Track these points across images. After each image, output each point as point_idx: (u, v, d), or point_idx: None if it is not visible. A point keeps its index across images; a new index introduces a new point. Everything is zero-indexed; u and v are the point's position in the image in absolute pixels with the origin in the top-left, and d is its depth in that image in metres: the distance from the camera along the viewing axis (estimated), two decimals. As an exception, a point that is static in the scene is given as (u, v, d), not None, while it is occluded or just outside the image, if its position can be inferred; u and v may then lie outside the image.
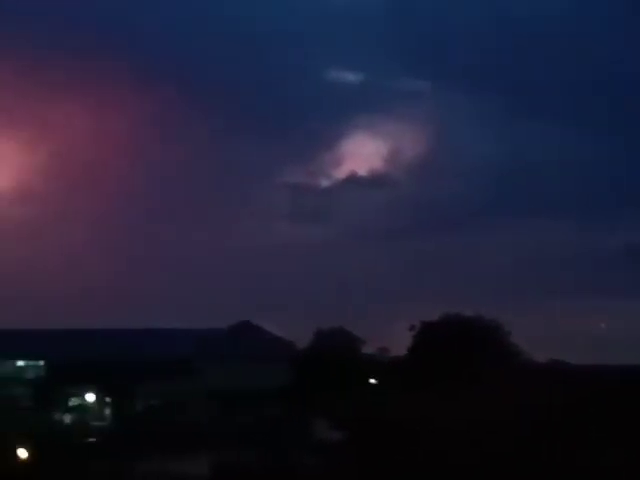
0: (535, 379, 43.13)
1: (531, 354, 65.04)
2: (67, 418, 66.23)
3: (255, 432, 47.21)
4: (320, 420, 49.98)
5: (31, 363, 77.00)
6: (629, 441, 30.95)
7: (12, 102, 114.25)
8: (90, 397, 70.57)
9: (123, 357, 68.46)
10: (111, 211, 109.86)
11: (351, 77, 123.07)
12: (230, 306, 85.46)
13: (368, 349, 78.15)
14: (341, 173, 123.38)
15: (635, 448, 30.25)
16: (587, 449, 30.64)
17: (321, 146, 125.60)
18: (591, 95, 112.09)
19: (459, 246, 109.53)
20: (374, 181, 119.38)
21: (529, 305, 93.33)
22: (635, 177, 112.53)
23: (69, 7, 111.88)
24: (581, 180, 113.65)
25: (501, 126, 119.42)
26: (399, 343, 72.76)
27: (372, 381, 69.31)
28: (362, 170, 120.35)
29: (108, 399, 70.33)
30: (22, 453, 40.89)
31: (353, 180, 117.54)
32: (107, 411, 69.76)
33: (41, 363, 76.04)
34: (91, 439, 52.97)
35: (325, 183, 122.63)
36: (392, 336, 78.83)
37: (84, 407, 69.93)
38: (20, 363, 77.56)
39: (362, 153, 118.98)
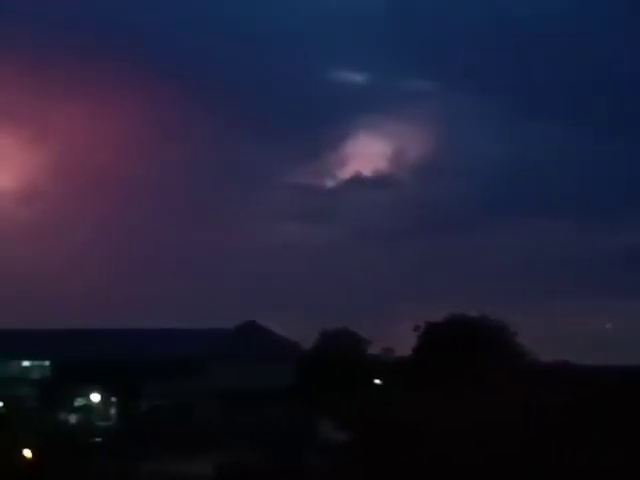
0: (540, 379, 43.02)
1: (536, 354, 65.00)
2: (72, 418, 66.34)
3: (260, 432, 47.21)
4: (325, 420, 49.96)
5: (36, 363, 77.10)
6: (635, 442, 30.90)
7: (16, 103, 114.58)
8: (95, 397, 70.63)
9: (128, 357, 68.52)
10: (117, 212, 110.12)
11: (356, 78, 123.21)
12: (235, 306, 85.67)
13: (373, 349, 78.25)
14: (346, 173, 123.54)
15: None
16: (594, 450, 30.56)
17: (326, 147, 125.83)
18: (595, 95, 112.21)
19: (464, 246, 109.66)
20: (379, 181, 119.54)
21: (533, 305, 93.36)
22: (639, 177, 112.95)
23: (69, 7, 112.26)
24: (585, 180, 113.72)
25: (505, 126, 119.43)
26: (404, 343, 72.84)
27: (377, 381, 69.31)
28: (367, 170, 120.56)
29: (113, 399, 70.40)
30: (28, 453, 40.94)
31: (358, 180, 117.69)
32: (112, 411, 69.84)
33: (46, 363, 76.14)
34: (96, 439, 53.01)
35: (330, 183, 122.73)
36: (397, 336, 78.90)
37: (89, 407, 70.00)
38: (25, 363, 77.67)
39: (367, 154, 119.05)
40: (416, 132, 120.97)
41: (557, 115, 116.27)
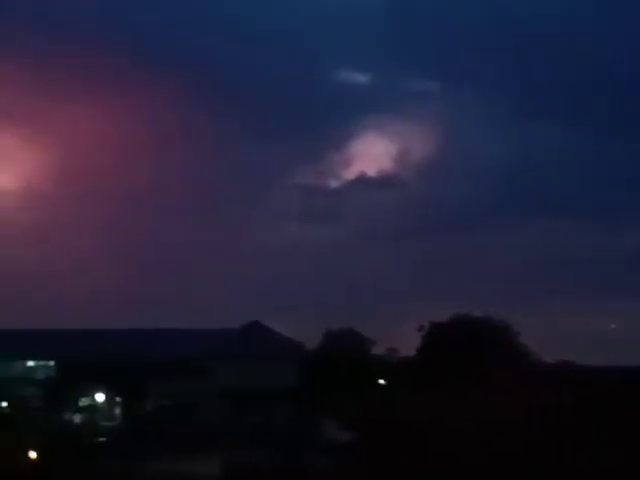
0: (544, 380, 43.05)
1: (540, 355, 64.99)
2: (77, 418, 66.33)
3: (265, 432, 47.23)
4: (329, 420, 49.96)
5: (41, 363, 77.09)
6: (636, 442, 30.94)
7: (20, 104, 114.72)
8: (100, 397, 70.63)
9: (133, 357, 68.48)
10: (121, 213, 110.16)
11: (360, 78, 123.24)
12: (240, 307, 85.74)
13: (377, 350, 78.22)
14: (350, 174, 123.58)
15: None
16: (596, 450, 30.61)
17: (330, 147, 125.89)
18: (598, 96, 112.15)
19: (468, 246, 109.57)
20: (383, 182, 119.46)
21: (536, 305, 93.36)
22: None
23: (70, 7, 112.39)
24: (588, 180, 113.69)
25: (510, 127, 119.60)
26: (408, 344, 72.83)
27: (381, 382, 69.29)
28: (371, 171, 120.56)
29: (118, 399, 70.40)
30: (32, 453, 41.01)
31: (362, 181, 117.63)
32: (117, 411, 69.85)
33: (51, 363, 76.16)
34: (101, 439, 53.04)
35: (334, 184, 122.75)
36: (401, 337, 78.88)
37: (94, 407, 69.97)
38: (30, 363, 77.68)
39: (371, 154, 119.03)
40: (420, 132, 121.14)
41: (561, 116, 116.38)
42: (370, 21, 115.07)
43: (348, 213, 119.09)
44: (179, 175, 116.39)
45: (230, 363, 68.80)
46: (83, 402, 70.44)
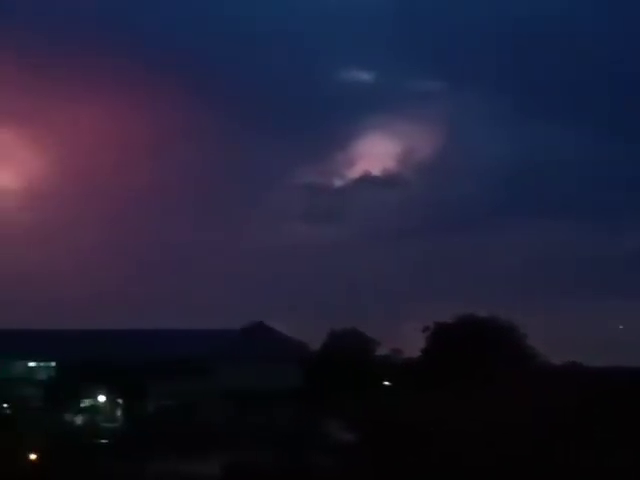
0: (550, 381, 42.74)
1: (547, 356, 64.49)
2: (78, 419, 66.03)
3: (268, 433, 46.89)
4: (333, 421, 49.64)
5: (43, 364, 76.94)
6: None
7: (21, 104, 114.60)
8: (101, 398, 70.37)
9: (135, 358, 68.22)
10: (124, 213, 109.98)
11: (364, 77, 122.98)
12: (243, 307, 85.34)
13: (382, 350, 77.80)
14: (354, 173, 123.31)
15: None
16: (602, 451, 30.30)
17: (334, 146, 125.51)
18: (603, 96, 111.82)
19: (472, 246, 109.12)
20: (387, 181, 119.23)
21: (542, 306, 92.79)
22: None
23: (70, 7, 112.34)
24: (593, 180, 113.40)
25: (513, 127, 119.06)
26: (412, 344, 72.46)
27: (386, 382, 68.90)
28: (375, 170, 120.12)
29: (120, 400, 70.13)
30: (33, 454, 40.75)
31: (366, 180, 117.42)
32: (119, 412, 69.57)
33: (52, 364, 75.98)
34: (102, 440, 52.71)
35: (338, 183, 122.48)
36: (405, 337, 78.48)
37: (95, 408, 69.72)
38: (32, 364, 77.52)
39: (375, 153, 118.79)
40: (424, 132, 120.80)
41: (569, 116, 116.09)
42: (375, 21, 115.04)
43: (352, 212, 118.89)
44: (182, 175, 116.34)
45: (233, 363, 68.57)
46: (84, 403, 70.17)
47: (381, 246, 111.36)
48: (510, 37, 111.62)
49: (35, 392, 70.54)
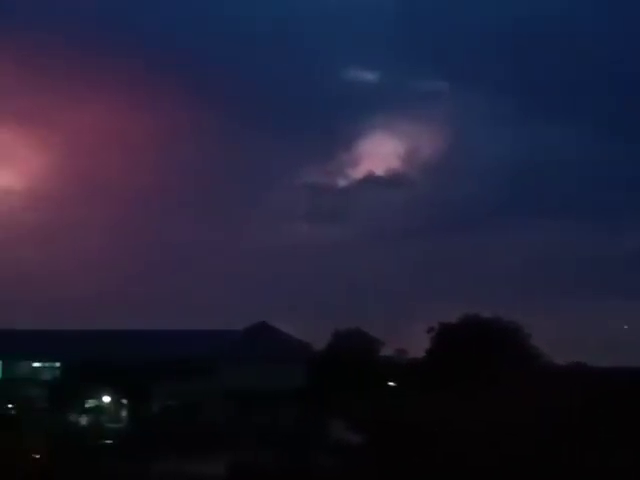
0: (554, 381, 42.65)
1: (551, 356, 64.37)
2: (83, 420, 66.08)
3: (272, 433, 46.88)
4: (337, 421, 49.62)
5: (47, 364, 77.05)
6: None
7: (25, 104, 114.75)
8: (106, 399, 70.43)
9: (139, 358, 68.27)
10: (127, 213, 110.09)
11: (369, 77, 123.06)
12: (247, 307, 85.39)
13: (386, 351, 77.77)
14: (358, 173, 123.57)
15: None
16: (606, 451, 30.22)
17: (338, 146, 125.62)
18: (610, 96, 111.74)
19: (476, 246, 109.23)
20: (391, 181, 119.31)
21: (546, 306, 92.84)
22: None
23: (72, 7, 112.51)
24: (597, 180, 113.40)
25: (517, 127, 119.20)
26: (417, 345, 72.38)
27: (390, 383, 68.85)
28: (379, 170, 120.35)
29: (124, 401, 70.18)
30: (38, 454, 40.72)
31: (370, 180, 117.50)
32: (123, 413, 69.62)
33: (57, 364, 76.04)
34: (107, 441, 52.73)
35: (342, 183, 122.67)
36: (410, 337, 78.42)
37: (100, 409, 69.81)
38: (36, 364, 77.62)
39: (379, 153, 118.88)
40: (428, 132, 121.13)
41: (572, 116, 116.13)
42: (379, 20, 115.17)
43: (356, 212, 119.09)
44: (185, 175, 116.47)
45: (237, 364, 68.60)
46: (89, 403, 70.26)
47: (385, 246, 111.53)
48: (512, 37, 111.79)
49: (39, 393, 70.65)
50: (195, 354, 69.46)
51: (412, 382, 59.69)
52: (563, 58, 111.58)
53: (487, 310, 65.94)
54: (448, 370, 56.57)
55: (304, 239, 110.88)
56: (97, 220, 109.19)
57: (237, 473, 36.95)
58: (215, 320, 77.28)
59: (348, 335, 75.76)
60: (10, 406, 66.96)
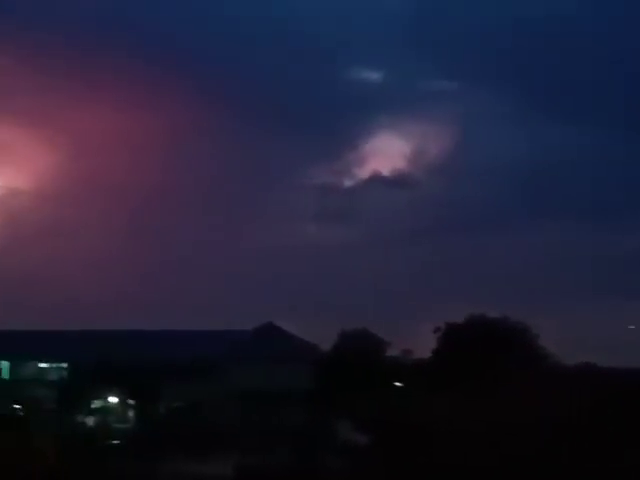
0: (563, 382, 42.52)
1: (561, 357, 64.14)
2: (90, 420, 66.10)
3: (279, 434, 46.84)
4: (344, 422, 49.57)
5: (54, 365, 77.12)
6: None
7: (35, 102, 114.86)
8: (113, 399, 70.45)
9: (147, 359, 68.29)
10: (135, 213, 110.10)
11: (375, 77, 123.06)
12: (253, 308, 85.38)
13: (392, 351, 77.66)
14: (364, 173, 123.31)
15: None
16: (614, 452, 30.20)
17: (344, 146, 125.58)
18: (616, 95, 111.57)
19: (483, 246, 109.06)
20: (397, 181, 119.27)
21: (554, 306, 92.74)
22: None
23: (74, 8, 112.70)
24: (604, 181, 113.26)
25: (524, 127, 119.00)
26: (423, 345, 72.30)
27: (397, 383, 68.78)
28: (385, 170, 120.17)
29: (131, 401, 70.19)
30: (45, 455, 40.72)
31: (376, 180, 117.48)
32: (130, 413, 69.62)
33: (64, 365, 76.10)
34: (114, 441, 52.75)
35: (348, 183, 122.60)
36: (416, 338, 78.36)
37: (107, 409, 69.83)
38: (43, 365, 77.69)
39: (385, 153, 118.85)
40: (435, 132, 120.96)
41: (580, 116, 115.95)
42: (386, 20, 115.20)
43: (362, 212, 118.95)
44: (193, 175, 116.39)
45: (244, 364, 68.57)
46: (96, 404, 70.29)
47: (391, 246, 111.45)
48: (522, 37, 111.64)
49: (46, 393, 70.69)
50: (202, 354, 69.51)
51: (418, 382, 59.58)
52: (573, 58, 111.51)
53: (493, 310, 65.87)
54: (455, 370, 56.43)
55: (309, 239, 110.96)
56: (105, 221, 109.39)
57: (244, 474, 36.99)
58: (222, 320, 77.51)
59: (354, 336, 75.63)
60: (17, 407, 66.99)
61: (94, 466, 39.14)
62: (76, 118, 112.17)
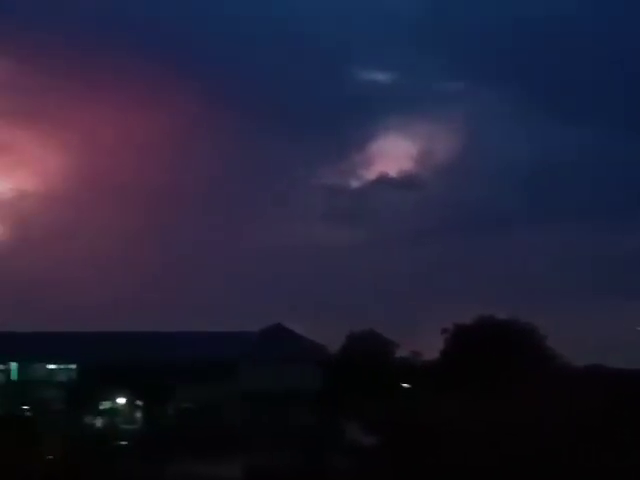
0: (571, 383, 42.37)
1: (569, 358, 63.98)
2: (98, 421, 66.18)
3: (288, 435, 46.79)
4: (352, 423, 49.50)
5: (63, 366, 77.15)
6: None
7: (38, 106, 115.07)
8: (121, 400, 70.49)
9: (155, 360, 68.31)
10: (143, 215, 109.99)
11: (382, 78, 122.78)
12: (262, 309, 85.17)
13: (400, 352, 77.59)
14: (371, 174, 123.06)
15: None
16: (623, 454, 30.06)
17: (351, 147, 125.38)
18: (625, 96, 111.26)
19: (490, 248, 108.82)
20: (404, 182, 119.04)
21: (561, 307, 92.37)
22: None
23: (78, 8, 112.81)
24: (612, 181, 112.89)
25: (532, 128, 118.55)
26: (431, 346, 72.19)
27: (405, 385, 68.69)
28: (392, 171, 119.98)
29: (139, 402, 70.22)
30: (53, 456, 40.77)
31: (383, 181, 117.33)
32: (138, 414, 69.66)
33: (73, 366, 76.14)
34: (122, 442, 52.78)
35: (355, 184, 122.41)
36: (424, 339, 78.19)
37: (115, 410, 69.90)
38: (52, 366, 77.72)
39: (392, 154, 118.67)
40: (442, 133, 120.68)
41: (589, 117, 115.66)
42: (394, 21, 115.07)
43: (369, 213, 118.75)
44: (201, 175, 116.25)
45: (253, 366, 68.53)
46: (104, 405, 70.35)
47: (398, 247, 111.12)
48: (530, 37, 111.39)
49: (55, 394, 70.80)
50: (210, 356, 69.46)
51: (426, 384, 59.48)
52: (572, 58, 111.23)
53: (501, 311, 65.81)
54: (463, 371, 56.35)
55: (317, 240, 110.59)
56: (113, 223, 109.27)
57: (253, 475, 36.92)
58: (230, 322, 77.39)
59: (362, 337, 75.61)
60: (26, 408, 67.08)
61: (102, 467, 39.11)
62: (76, 119, 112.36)
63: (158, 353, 70.77)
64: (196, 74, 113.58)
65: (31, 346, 76.03)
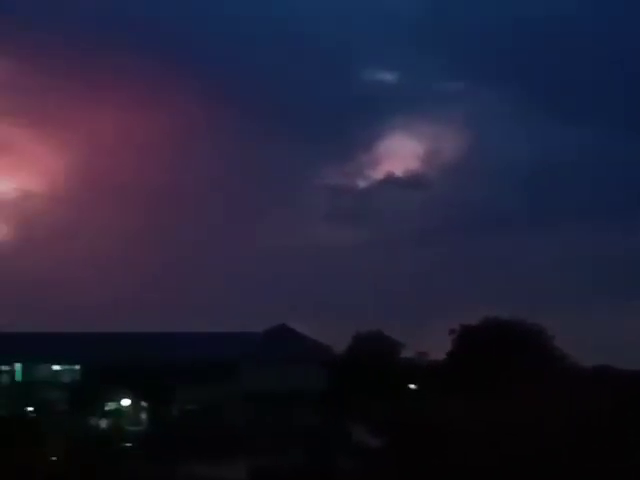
0: (579, 384, 42.15)
1: (577, 359, 63.66)
2: (103, 422, 66.04)
3: (292, 436, 46.58)
4: (358, 424, 49.29)
5: (67, 367, 77.06)
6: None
7: (40, 107, 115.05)
8: (126, 401, 70.36)
9: (159, 361, 68.20)
10: (146, 215, 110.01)
11: (388, 78, 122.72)
12: (267, 309, 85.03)
13: (407, 353, 77.36)
14: (378, 174, 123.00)
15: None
16: (630, 454, 29.86)
17: (358, 147, 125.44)
18: (630, 96, 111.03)
19: (496, 248, 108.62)
20: (411, 182, 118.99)
21: (567, 308, 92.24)
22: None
23: (79, 8, 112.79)
24: (617, 181, 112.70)
25: (537, 128, 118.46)
26: (438, 347, 71.95)
27: (411, 385, 68.49)
28: (399, 171, 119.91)
29: (144, 403, 70.09)
30: (57, 457, 40.65)
31: (390, 181, 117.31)
32: (143, 415, 69.51)
33: (77, 367, 76.04)
34: (127, 444, 52.61)
35: (362, 184, 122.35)
36: (431, 340, 77.97)
37: (120, 411, 69.77)
38: (56, 367, 77.61)
39: (399, 154, 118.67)
40: (448, 133, 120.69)
41: (593, 118, 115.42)
42: (394, 21, 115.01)
43: (375, 213, 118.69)
44: (206, 176, 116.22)
45: (257, 366, 68.37)
46: (109, 406, 70.23)
47: (404, 247, 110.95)
48: (530, 37, 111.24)
49: (60, 395, 70.69)
50: (215, 356, 69.32)
51: (433, 384, 59.27)
52: (572, 58, 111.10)
53: (507, 312, 65.50)
54: (470, 372, 56.11)
55: (323, 240, 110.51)
56: (116, 223, 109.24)
57: (258, 477, 36.76)
58: (234, 322, 77.28)
59: (368, 337, 75.36)
60: (30, 409, 66.97)
61: (106, 468, 38.98)
62: (78, 119, 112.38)
63: (162, 354, 70.66)
64: (196, 74, 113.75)
65: (35, 347, 75.91)
